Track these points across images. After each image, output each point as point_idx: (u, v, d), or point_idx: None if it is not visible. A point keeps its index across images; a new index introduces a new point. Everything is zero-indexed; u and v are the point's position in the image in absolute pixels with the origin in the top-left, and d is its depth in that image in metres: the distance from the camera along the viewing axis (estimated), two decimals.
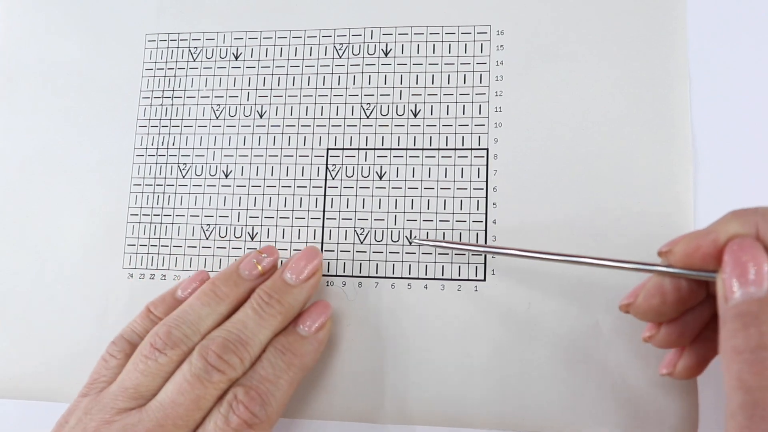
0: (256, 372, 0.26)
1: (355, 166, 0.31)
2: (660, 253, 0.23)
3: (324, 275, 0.30)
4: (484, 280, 0.29)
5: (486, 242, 0.29)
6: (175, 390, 0.24)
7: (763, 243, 0.20)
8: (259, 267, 0.28)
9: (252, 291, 0.28)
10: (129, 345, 0.28)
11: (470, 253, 0.29)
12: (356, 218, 0.30)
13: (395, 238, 0.30)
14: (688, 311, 0.24)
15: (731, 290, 0.19)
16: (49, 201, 0.33)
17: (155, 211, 0.32)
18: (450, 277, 0.29)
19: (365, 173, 0.31)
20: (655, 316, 0.24)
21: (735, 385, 0.18)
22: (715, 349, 0.24)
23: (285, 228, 0.31)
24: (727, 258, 0.20)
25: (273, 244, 0.31)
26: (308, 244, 0.30)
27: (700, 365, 0.24)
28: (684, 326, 0.24)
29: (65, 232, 0.33)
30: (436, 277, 0.29)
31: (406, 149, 0.30)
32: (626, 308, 0.24)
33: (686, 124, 0.29)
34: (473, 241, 0.29)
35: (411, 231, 0.30)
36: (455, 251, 0.29)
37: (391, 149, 0.31)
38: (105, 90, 0.34)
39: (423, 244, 0.30)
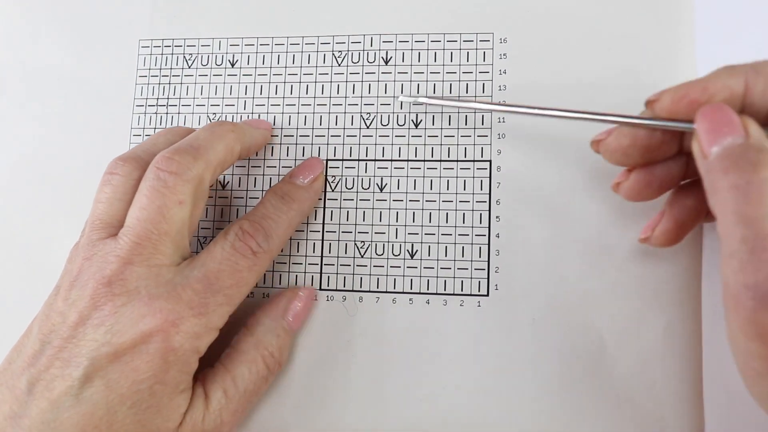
0: (258, 211, 0.27)
1: (355, 178, 0.30)
2: (648, 102, 0.23)
3: (324, 289, 0.30)
4: (487, 295, 0.28)
5: (489, 259, 0.29)
6: (136, 208, 0.25)
7: (750, 96, 0.21)
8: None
9: None
10: None
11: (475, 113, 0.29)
12: (356, 231, 0.30)
13: (396, 251, 0.29)
14: (659, 163, 0.24)
15: (708, 147, 0.20)
16: (39, 211, 0.33)
17: None
18: (452, 292, 0.29)
19: (365, 185, 0.30)
20: (622, 157, 0.24)
21: (733, 220, 0.18)
22: (692, 216, 0.25)
23: None
24: (700, 119, 0.20)
25: None
26: (307, 255, 0.30)
27: (678, 231, 0.25)
28: (652, 176, 0.24)
29: (56, 243, 0.32)
30: (439, 292, 0.29)
31: (408, 160, 0.30)
32: (596, 145, 0.25)
33: None
34: (476, 257, 0.29)
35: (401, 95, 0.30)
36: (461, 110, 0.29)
37: (392, 160, 0.30)
38: (97, 97, 0.33)
39: (424, 102, 0.29)
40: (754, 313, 0.17)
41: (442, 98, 0.29)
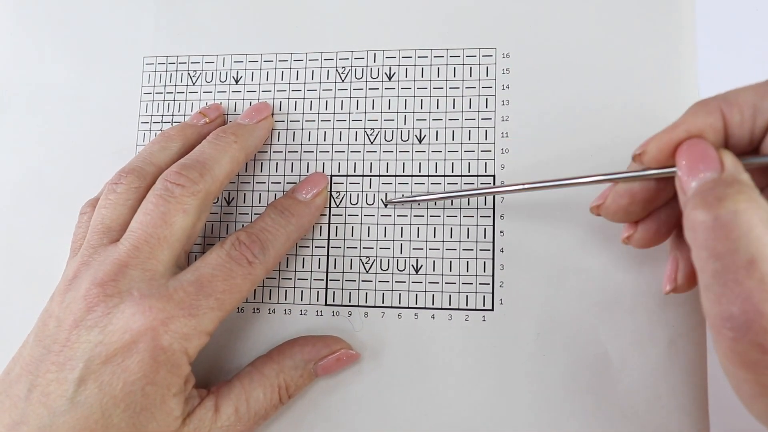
0: (257, 224, 0.27)
1: (360, 193, 0.30)
2: (634, 157, 0.23)
3: (329, 305, 0.30)
4: (492, 309, 0.29)
5: (494, 273, 0.29)
6: (141, 213, 0.26)
7: (730, 128, 0.21)
8: (206, 117, 0.31)
9: (201, 137, 0.29)
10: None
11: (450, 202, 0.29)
12: (361, 246, 0.30)
13: (401, 266, 0.29)
14: (661, 208, 0.24)
15: (686, 184, 0.20)
16: (44, 228, 0.33)
17: None
18: (458, 307, 0.29)
19: (370, 200, 0.30)
20: (625, 216, 0.24)
21: (704, 256, 0.19)
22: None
23: (289, 257, 0.30)
24: (680, 160, 0.21)
25: (276, 273, 0.30)
26: (313, 271, 0.30)
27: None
28: (659, 223, 0.24)
29: (60, 259, 0.32)
30: (444, 307, 0.29)
31: (411, 176, 0.30)
32: (597, 210, 0.25)
33: None
34: (480, 272, 0.29)
35: (386, 194, 0.30)
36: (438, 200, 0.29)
37: (396, 176, 0.30)
38: (102, 114, 0.33)
39: (397, 201, 0.29)
40: (734, 343, 0.18)
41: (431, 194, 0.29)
